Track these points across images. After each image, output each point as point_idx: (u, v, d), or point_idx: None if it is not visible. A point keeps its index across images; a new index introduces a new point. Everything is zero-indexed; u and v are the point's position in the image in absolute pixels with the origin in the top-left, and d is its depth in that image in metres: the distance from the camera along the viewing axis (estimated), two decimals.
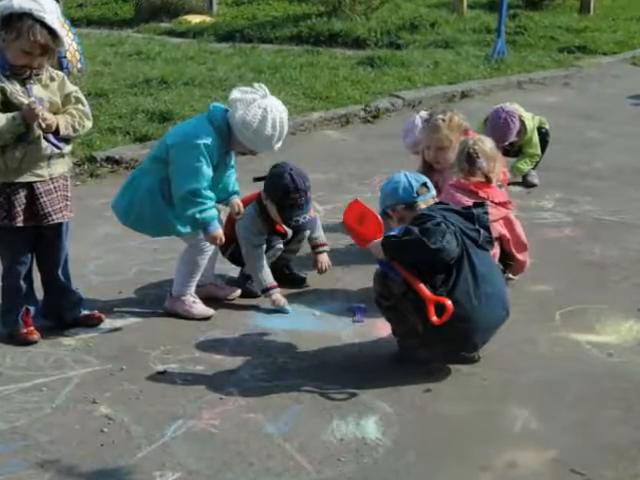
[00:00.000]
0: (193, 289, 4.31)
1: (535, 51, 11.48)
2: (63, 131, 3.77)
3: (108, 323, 4.17)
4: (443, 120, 4.82)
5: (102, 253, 5.09)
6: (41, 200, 3.83)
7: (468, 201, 4.11)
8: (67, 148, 3.90)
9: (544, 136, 6.50)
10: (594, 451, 3.17)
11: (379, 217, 3.79)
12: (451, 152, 4.75)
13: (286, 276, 4.66)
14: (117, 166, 6.66)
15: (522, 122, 6.22)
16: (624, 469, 3.07)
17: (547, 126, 6.56)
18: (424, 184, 3.94)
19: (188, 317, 4.25)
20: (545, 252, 5.02)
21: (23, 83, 3.74)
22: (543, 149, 6.50)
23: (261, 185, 4.47)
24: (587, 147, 7.55)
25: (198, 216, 4.05)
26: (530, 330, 4.12)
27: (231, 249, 4.52)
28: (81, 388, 3.59)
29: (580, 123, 8.32)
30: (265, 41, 12.25)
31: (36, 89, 3.77)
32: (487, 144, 4.48)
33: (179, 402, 3.49)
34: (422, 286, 3.51)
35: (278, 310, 4.35)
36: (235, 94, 4.13)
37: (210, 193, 4.09)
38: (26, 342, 3.96)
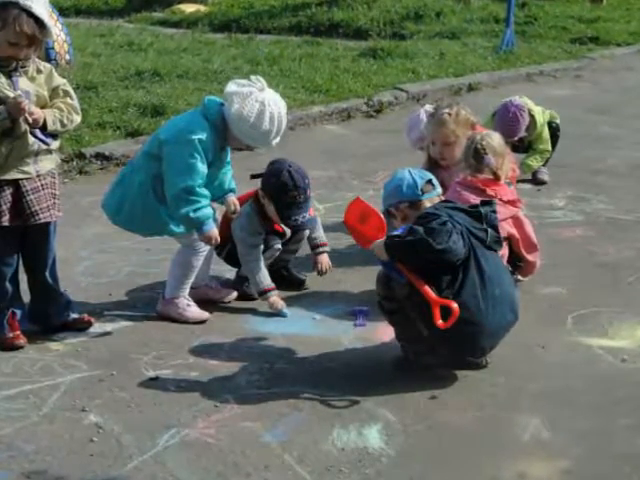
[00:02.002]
0: (187, 291, 4.28)
1: (545, 42, 11.55)
2: (51, 126, 3.74)
3: (98, 327, 4.15)
4: (449, 114, 4.78)
5: (92, 254, 5.07)
6: (27, 198, 3.80)
7: (475, 199, 4.08)
8: (55, 144, 3.88)
9: (555, 131, 6.47)
10: (607, 461, 3.12)
11: (382, 216, 3.77)
12: (457, 148, 4.72)
13: (284, 278, 4.63)
14: (107, 162, 6.62)
15: (532, 116, 6.20)
16: None
17: (558, 120, 6.53)
18: (429, 181, 3.90)
19: (182, 321, 4.22)
20: (556, 253, 4.99)
21: (9, 76, 3.72)
22: (554, 145, 6.47)
23: (258, 182, 4.44)
24: (600, 142, 7.53)
25: (192, 215, 4.02)
26: (540, 334, 4.08)
27: (227, 249, 4.48)
28: (69, 395, 3.55)
29: (593, 117, 8.34)
30: (262, 31, 12.37)
31: (22, 82, 3.74)
32: (495, 139, 4.45)
33: (172, 410, 3.44)
34: (427, 288, 3.48)
35: (276, 314, 4.32)
36: (231, 87, 4.12)
37: (205, 191, 4.06)
38: (12, 347, 3.92)
